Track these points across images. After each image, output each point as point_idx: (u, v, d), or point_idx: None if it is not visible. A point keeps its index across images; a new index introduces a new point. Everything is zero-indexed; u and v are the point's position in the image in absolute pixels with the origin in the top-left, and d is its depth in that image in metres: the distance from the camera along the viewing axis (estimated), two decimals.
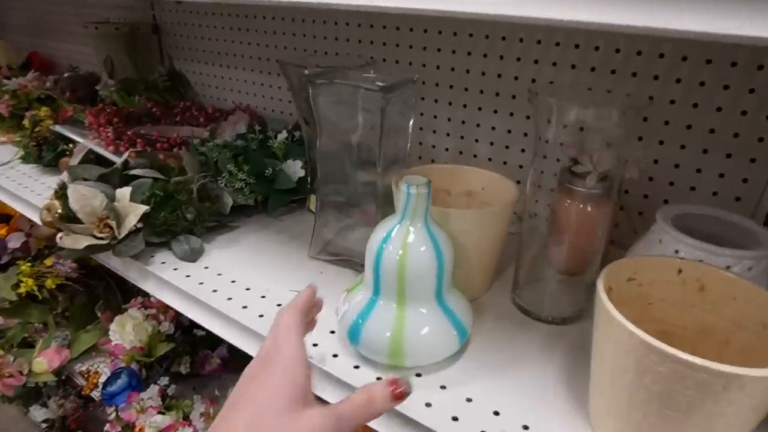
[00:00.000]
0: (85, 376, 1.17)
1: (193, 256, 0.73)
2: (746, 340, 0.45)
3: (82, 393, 1.17)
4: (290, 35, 1.06)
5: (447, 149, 0.91)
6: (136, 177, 0.76)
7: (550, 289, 0.66)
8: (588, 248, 0.62)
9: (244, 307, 0.63)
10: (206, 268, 0.72)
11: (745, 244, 0.54)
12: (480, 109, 0.84)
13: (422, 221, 0.51)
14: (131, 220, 0.69)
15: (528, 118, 0.79)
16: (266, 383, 0.36)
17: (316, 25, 1.01)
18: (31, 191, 0.95)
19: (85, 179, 0.75)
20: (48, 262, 1.20)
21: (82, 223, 0.69)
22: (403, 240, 0.50)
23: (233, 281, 0.69)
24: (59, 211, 0.70)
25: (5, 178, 1.01)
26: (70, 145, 0.99)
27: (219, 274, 0.70)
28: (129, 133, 0.92)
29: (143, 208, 0.69)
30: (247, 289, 0.67)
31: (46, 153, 1.01)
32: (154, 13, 1.34)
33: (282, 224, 0.85)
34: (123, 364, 1.11)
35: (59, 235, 0.70)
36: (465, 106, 0.85)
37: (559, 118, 0.55)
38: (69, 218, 0.70)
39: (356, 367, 0.55)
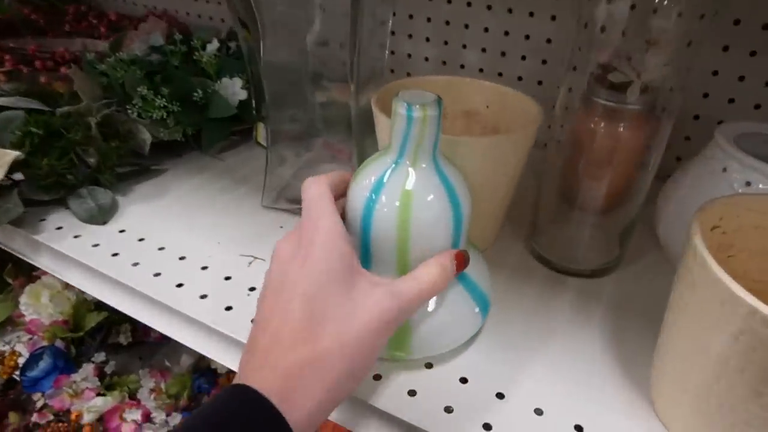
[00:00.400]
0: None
1: (101, 215, 0.54)
2: None
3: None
4: None
5: (426, 59, 0.72)
6: (2, 109, 0.55)
7: (578, 233, 0.51)
8: (624, 182, 0.47)
9: (179, 286, 0.46)
10: (122, 231, 0.53)
11: None
12: (469, 5, 0.66)
13: (429, 158, 0.34)
14: None
15: (532, 15, 0.62)
16: (308, 264, 0.30)
17: None
18: None
19: None
20: None
21: None
22: (401, 187, 0.34)
23: (161, 248, 0.51)
24: None
25: None
26: None
27: (141, 240, 0.52)
28: None
29: (12, 155, 0.49)
30: (182, 258, 0.49)
31: None
32: None
33: (224, 165, 0.66)
34: (45, 343, 0.93)
35: None
36: (449, 1, 0.67)
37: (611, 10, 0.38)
38: None
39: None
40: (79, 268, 0.50)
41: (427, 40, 0.71)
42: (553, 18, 0.61)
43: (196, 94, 0.63)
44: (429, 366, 0.40)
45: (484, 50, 0.67)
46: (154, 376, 0.95)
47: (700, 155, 0.48)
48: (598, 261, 0.50)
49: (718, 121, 0.59)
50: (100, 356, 0.94)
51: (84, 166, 0.54)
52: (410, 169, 0.34)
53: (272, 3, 0.47)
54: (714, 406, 0.30)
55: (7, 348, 0.99)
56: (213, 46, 0.70)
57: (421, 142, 0.33)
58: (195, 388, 0.95)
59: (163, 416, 0.92)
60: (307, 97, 0.54)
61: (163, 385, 0.94)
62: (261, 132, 0.68)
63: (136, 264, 0.48)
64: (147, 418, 0.92)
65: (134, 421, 0.90)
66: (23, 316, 1.04)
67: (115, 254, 0.50)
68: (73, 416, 0.89)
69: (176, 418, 0.92)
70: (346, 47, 0.48)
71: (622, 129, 0.44)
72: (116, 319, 0.98)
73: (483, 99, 0.52)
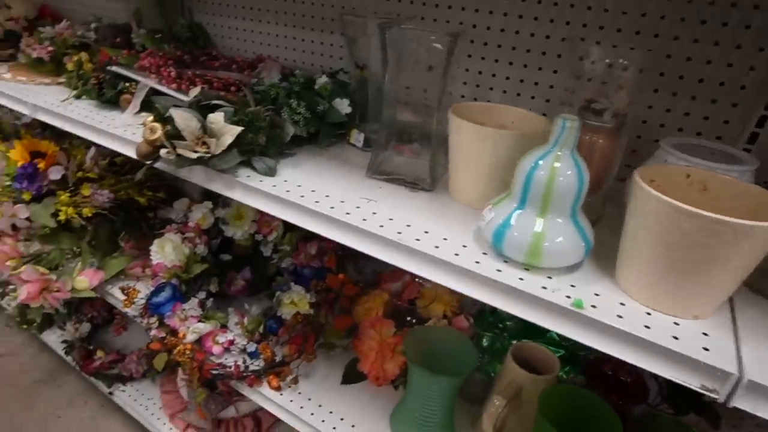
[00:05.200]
0: (125, 291, 1.26)
1: (271, 172, 0.85)
2: None
3: (123, 307, 1.26)
4: None
5: (462, 96, 1.05)
6: (207, 108, 0.85)
7: None
8: (603, 173, 0.75)
9: (332, 207, 0.76)
10: (285, 181, 0.84)
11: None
12: (497, 61, 0.99)
13: (570, 150, 0.61)
14: (227, 139, 0.80)
15: (540, 69, 0.95)
16: None
17: None
18: (99, 122, 1.02)
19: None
20: (85, 191, 1.27)
21: (185, 141, 0.80)
22: (554, 163, 0.61)
23: (313, 190, 0.81)
24: (167, 129, 0.79)
25: (70, 111, 1.08)
26: (126, 84, 1.07)
27: (299, 186, 0.82)
28: (189, 73, 1.01)
29: (238, 129, 0.80)
30: (327, 196, 0.80)
31: (107, 90, 1.07)
32: None
33: (330, 153, 0.98)
34: (164, 280, 1.21)
35: (163, 150, 0.80)
36: (483, 58, 1.00)
37: (593, 65, 0.71)
38: (174, 136, 0.80)
39: (498, 270, 0.65)
40: (266, 197, 0.80)
41: (464, 83, 1.04)
42: (555, 72, 0.94)
43: (320, 107, 0.95)
44: (549, 278, 0.64)
45: (505, 92, 1.00)
46: (237, 314, 1.23)
47: (652, 156, 0.75)
48: (591, 217, 0.76)
49: (655, 139, 0.87)
50: (202, 294, 1.22)
51: (266, 142, 0.85)
52: (559, 154, 0.61)
53: (397, 53, 0.79)
54: (660, 267, 0.57)
55: (130, 285, 1.27)
56: (323, 78, 1.02)
57: (568, 139, 0.61)
58: (267, 327, 1.21)
59: (243, 342, 1.18)
60: (402, 114, 0.86)
61: (245, 321, 1.21)
62: (353, 135, 1.00)
63: (302, 196, 0.79)
64: (231, 344, 1.18)
65: (222, 344, 1.17)
66: (135, 267, 1.33)
67: (288, 191, 0.80)
68: (180, 334, 1.16)
69: (252, 347, 1.18)
70: (431, 88, 0.80)
71: (600, 140, 0.72)
72: (213, 271, 1.27)
73: (509, 117, 0.83)
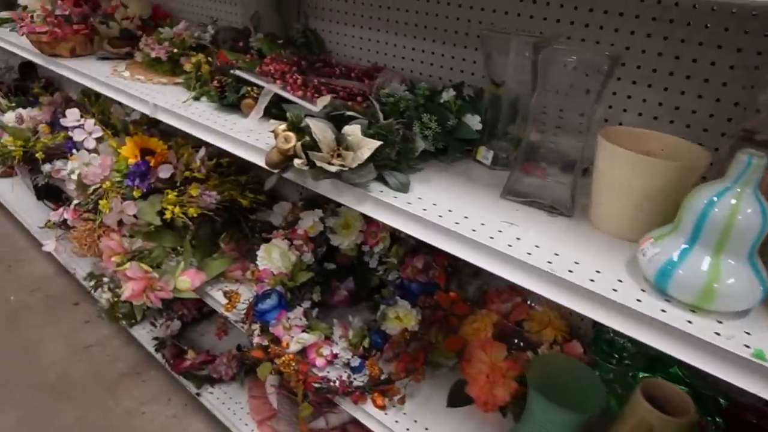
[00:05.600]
0: (228, 295, 1.28)
1: (404, 188, 0.84)
2: None
3: (224, 311, 1.28)
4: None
5: None
6: (338, 119, 0.84)
7: None
8: None
9: (474, 230, 0.74)
10: (420, 198, 0.82)
11: None
12: (634, 82, 0.95)
13: (753, 188, 0.58)
14: (365, 153, 0.79)
15: (683, 93, 0.90)
16: None
17: None
18: (221, 125, 1.04)
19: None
20: (193, 192, 1.30)
21: (320, 152, 0.80)
22: (736, 200, 0.58)
23: (450, 210, 0.79)
24: (305, 139, 0.80)
25: (190, 112, 1.10)
26: (248, 89, 1.08)
27: (434, 204, 0.81)
28: (314, 81, 1.02)
29: (376, 143, 0.80)
30: (466, 217, 0.78)
31: (229, 94, 1.09)
32: None
33: (456, 170, 0.96)
34: (268, 288, 1.22)
35: (297, 161, 0.81)
36: (619, 79, 0.96)
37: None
38: (310, 147, 0.80)
39: (663, 311, 0.61)
40: (399, 214, 0.79)
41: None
42: (700, 96, 0.89)
43: (450, 122, 0.94)
44: (720, 322, 0.60)
45: (640, 114, 0.96)
46: (341, 327, 1.22)
47: None
48: None
49: None
50: (306, 303, 1.22)
51: (397, 157, 0.85)
52: (741, 192, 0.57)
53: (549, 72, 0.76)
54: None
55: (233, 290, 1.29)
56: (450, 92, 1.00)
57: (751, 177, 0.57)
58: (372, 342, 1.18)
59: (347, 356, 1.17)
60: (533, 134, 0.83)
61: (350, 334, 1.20)
62: (480, 152, 0.98)
63: (441, 216, 0.77)
64: (335, 357, 1.17)
65: (326, 357, 1.16)
66: (234, 270, 1.34)
67: (424, 209, 0.79)
68: (283, 344, 1.16)
69: (356, 361, 1.16)
70: (579, 110, 0.77)
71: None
72: (317, 280, 1.27)
73: (659, 144, 0.79)
